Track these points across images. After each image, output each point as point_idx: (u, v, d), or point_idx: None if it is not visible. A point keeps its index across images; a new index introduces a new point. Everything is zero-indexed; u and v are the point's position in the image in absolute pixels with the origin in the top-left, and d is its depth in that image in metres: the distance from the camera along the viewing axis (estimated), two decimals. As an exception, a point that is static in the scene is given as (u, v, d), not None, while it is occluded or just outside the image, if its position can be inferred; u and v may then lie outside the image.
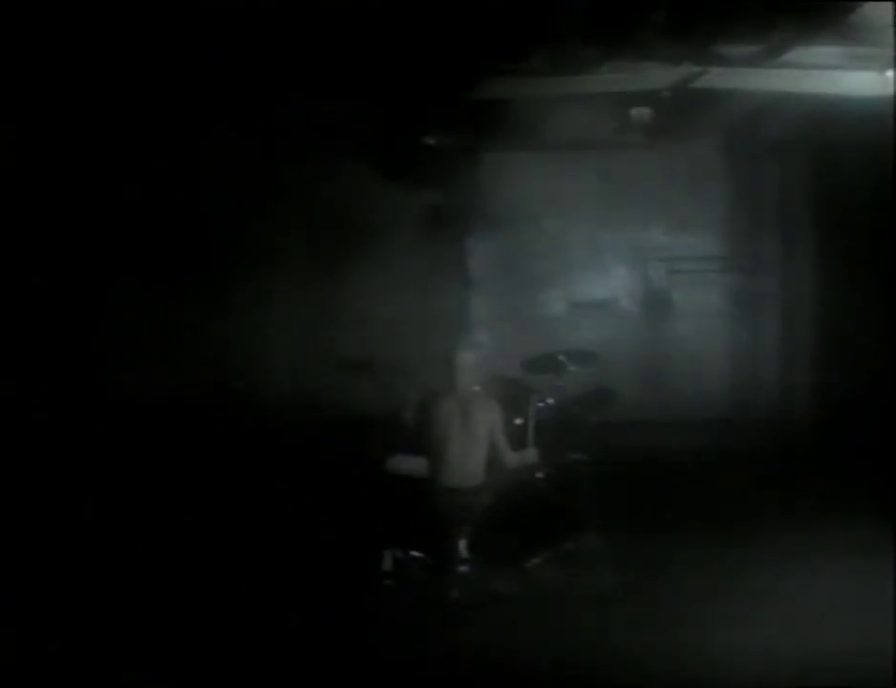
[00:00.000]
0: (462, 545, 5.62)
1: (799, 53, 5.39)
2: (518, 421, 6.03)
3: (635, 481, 7.36)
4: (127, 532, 6.63)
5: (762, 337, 10.27)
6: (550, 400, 6.10)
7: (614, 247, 10.26)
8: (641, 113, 7.76)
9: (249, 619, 5.27)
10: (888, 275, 8.17)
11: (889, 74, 5.28)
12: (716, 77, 5.45)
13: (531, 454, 5.88)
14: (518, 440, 5.90)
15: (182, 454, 8.13)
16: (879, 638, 4.70)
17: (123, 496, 7.32)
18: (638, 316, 10.26)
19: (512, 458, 5.77)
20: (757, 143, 10.06)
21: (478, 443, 5.63)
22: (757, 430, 9.66)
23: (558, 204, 10.01)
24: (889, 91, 5.44)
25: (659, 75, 5.64)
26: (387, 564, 5.73)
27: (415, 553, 5.74)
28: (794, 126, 9.49)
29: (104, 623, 5.19)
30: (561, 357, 6.19)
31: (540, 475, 5.99)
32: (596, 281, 10.27)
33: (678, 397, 9.90)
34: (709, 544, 6.33)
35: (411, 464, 5.91)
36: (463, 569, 5.57)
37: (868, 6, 4.74)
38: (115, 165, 9.53)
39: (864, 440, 8.05)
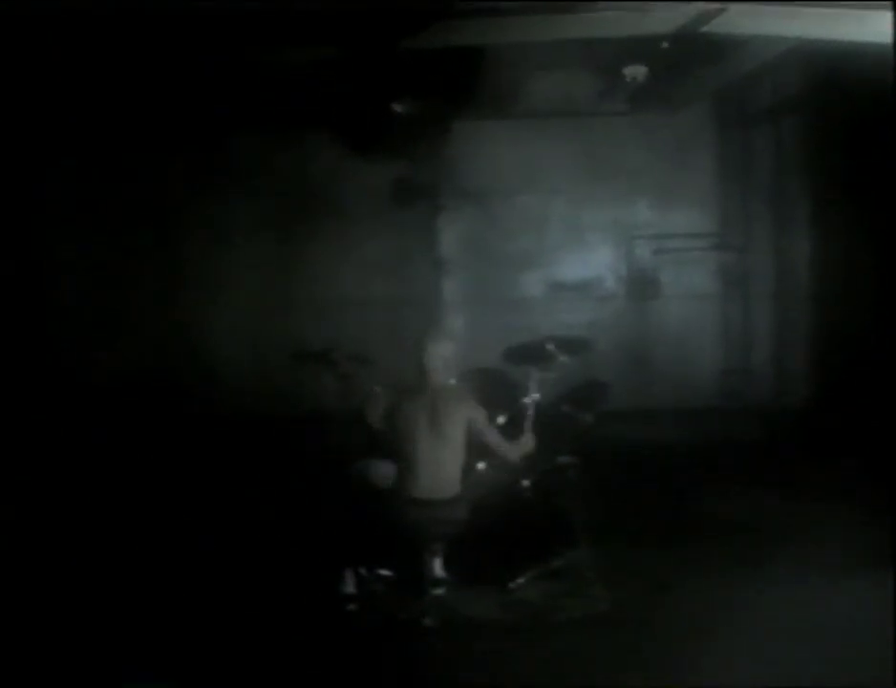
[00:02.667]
0: (436, 563, 4.94)
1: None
2: (500, 420, 5.32)
3: (622, 482, 6.91)
4: (69, 522, 6.29)
5: (755, 320, 9.97)
6: (536, 396, 5.32)
7: (597, 224, 9.95)
8: (636, 71, 7.22)
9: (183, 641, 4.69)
10: (890, 253, 7.97)
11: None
12: (733, 19, 4.68)
13: (530, 440, 5.13)
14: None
15: (128, 440, 7.96)
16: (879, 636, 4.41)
17: (67, 483, 7.04)
18: (622, 298, 9.96)
19: (511, 450, 5.03)
20: (750, 111, 9.78)
21: (452, 448, 4.88)
22: (749, 419, 9.28)
23: (536, 178, 9.73)
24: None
25: (667, 15, 4.85)
26: (349, 584, 5.03)
27: (382, 572, 5.07)
28: (789, 93, 9.36)
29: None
30: (549, 346, 5.45)
31: (525, 482, 5.29)
32: (577, 261, 9.97)
33: (665, 385, 9.68)
34: (705, 551, 5.82)
35: (377, 470, 5.21)
36: (437, 590, 4.93)
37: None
38: (62, 136, 9.15)
39: (863, 430, 7.82)
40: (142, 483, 7.26)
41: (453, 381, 5.17)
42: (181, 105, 8.77)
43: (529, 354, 5.55)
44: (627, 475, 7.11)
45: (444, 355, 5.00)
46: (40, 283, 9.42)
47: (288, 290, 9.63)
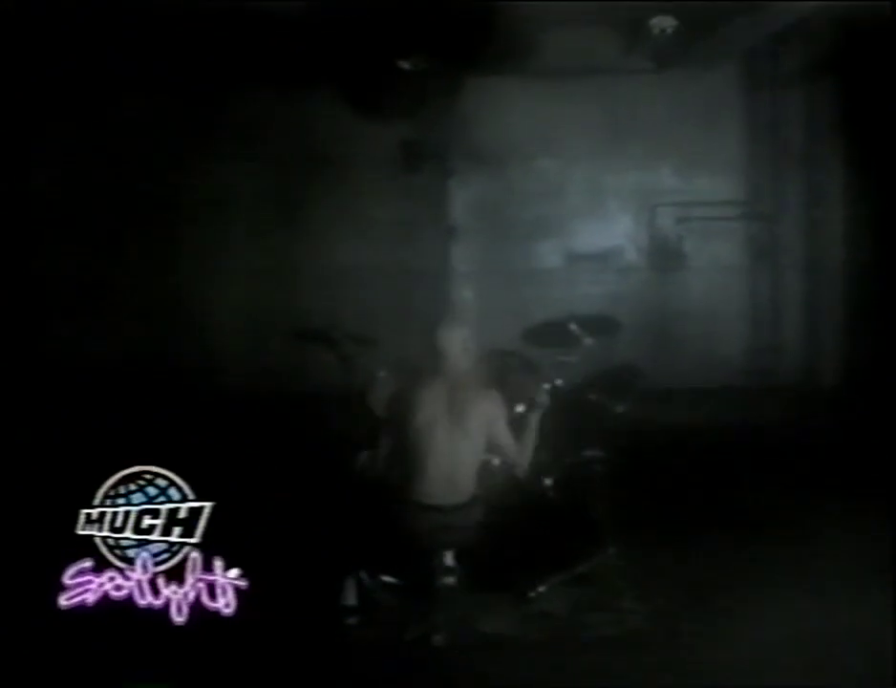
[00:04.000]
0: (448, 565, 4.42)
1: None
2: (519, 409, 4.78)
3: (649, 473, 6.42)
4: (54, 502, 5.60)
5: (785, 295, 9.64)
6: (559, 382, 4.84)
7: (618, 190, 9.60)
8: (663, 23, 6.86)
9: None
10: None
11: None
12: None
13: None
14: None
15: (117, 422, 7.63)
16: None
17: (51, 465, 6.64)
18: (644, 270, 9.61)
19: (521, 453, 4.53)
20: (783, 72, 9.44)
21: (471, 447, 4.35)
22: (778, 400, 8.94)
23: (553, 140, 9.38)
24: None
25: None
26: (350, 595, 4.53)
27: (386, 578, 4.57)
28: (823, 53, 9.03)
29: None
30: (572, 326, 4.94)
31: (548, 480, 4.77)
32: (597, 229, 9.63)
33: (689, 363, 9.29)
34: (747, 552, 5.37)
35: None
36: (448, 580, 4.42)
37: None
38: (43, 100, 8.90)
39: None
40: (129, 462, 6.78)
41: (467, 367, 4.60)
42: (175, 59, 8.43)
43: (550, 334, 5.09)
44: (653, 465, 6.63)
45: (462, 337, 4.48)
46: (20, 253, 9.10)
47: (286, 260, 9.30)
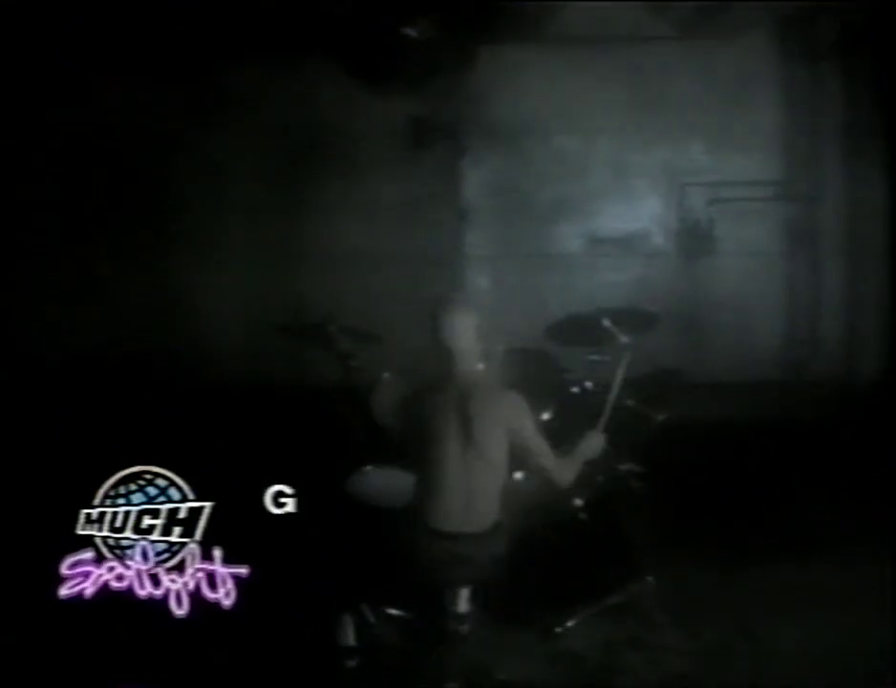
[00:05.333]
0: (463, 601, 3.84)
1: None
2: (545, 416, 4.25)
3: (688, 483, 5.85)
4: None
5: (823, 282, 9.29)
6: (589, 385, 4.32)
7: (643, 169, 9.22)
8: None
9: None
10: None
11: None
12: None
13: (595, 442, 4.00)
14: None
15: (100, 422, 7.31)
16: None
17: (31, 465, 6.39)
18: (672, 255, 9.26)
19: (565, 470, 3.84)
20: (820, 38, 9.02)
21: (489, 465, 3.69)
22: (815, 395, 8.63)
23: (574, 114, 9.04)
24: None
25: None
26: (348, 634, 3.97)
27: (392, 611, 4.02)
28: (864, 22, 8.56)
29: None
30: (605, 321, 4.35)
31: (579, 501, 4.22)
32: (621, 211, 9.28)
33: (720, 355, 8.98)
34: (803, 572, 4.87)
35: (387, 482, 4.22)
36: (463, 636, 3.84)
37: None
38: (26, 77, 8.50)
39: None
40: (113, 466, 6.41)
41: (482, 366, 4.00)
42: (168, 28, 8.08)
43: (580, 330, 4.47)
44: (695, 479, 6.06)
45: (472, 326, 3.82)
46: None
47: (286, 244, 8.98)
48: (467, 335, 3.78)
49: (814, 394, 8.71)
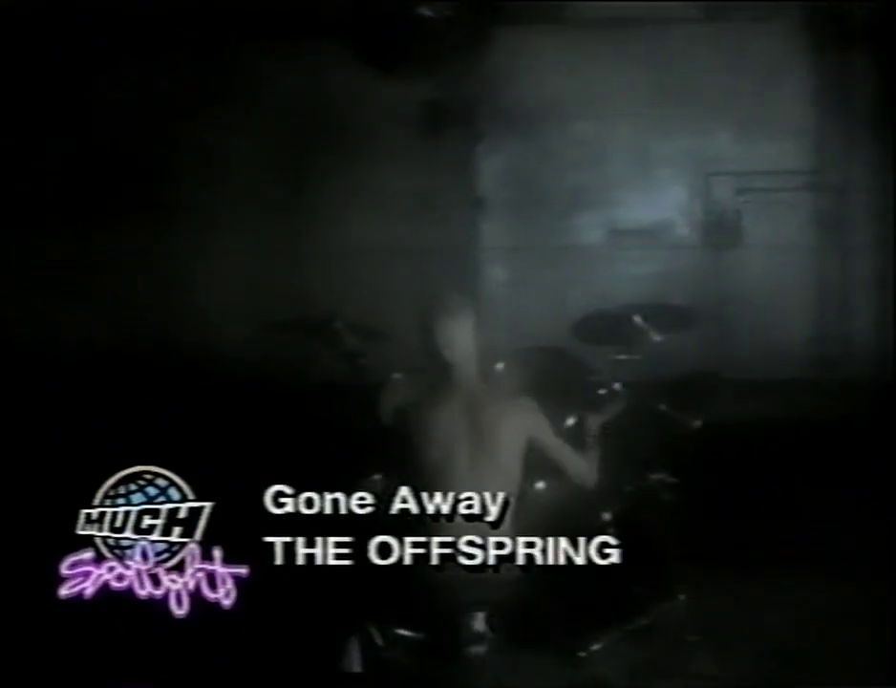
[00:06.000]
0: (478, 622, 3.62)
1: None
2: (570, 422, 4.02)
3: (726, 498, 5.71)
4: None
5: (854, 276, 9.13)
6: (617, 386, 4.08)
7: (667, 157, 9.07)
8: None
9: None
10: None
11: None
12: None
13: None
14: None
15: (100, 421, 7.36)
16: None
17: (30, 465, 6.46)
18: (697, 247, 9.14)
19: (589, 472, 3.71)
20: (854, 24, 8.90)
21: (503, 477, 3.48)
22: (846, 394, 8.45)
23: (594, 99, 8.93)
24: None
25: None
26: (353, 659, 3.75)
27: (402, 632, 3.80)
28: None
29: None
30: (636, 318, 4.17)
31: (606, 515, 3.96)
32: (643, 201, 9.16)
33: (748, 352, 8.84)
34: (849, 591, 4.66)
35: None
36: (479, 660, 3.60)
37: None
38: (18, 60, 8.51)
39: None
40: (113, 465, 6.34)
41: (496, 368, 3.94)
42: (171, 11, 8.10)
43: (608, 328, 4.30)
44: (732, 489, 5.84)
45: (468, 339, 3.64)
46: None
47: (291, 237, 8.93)
48: (466, 345, 3.60)
49: (843, 391, 8.51)
